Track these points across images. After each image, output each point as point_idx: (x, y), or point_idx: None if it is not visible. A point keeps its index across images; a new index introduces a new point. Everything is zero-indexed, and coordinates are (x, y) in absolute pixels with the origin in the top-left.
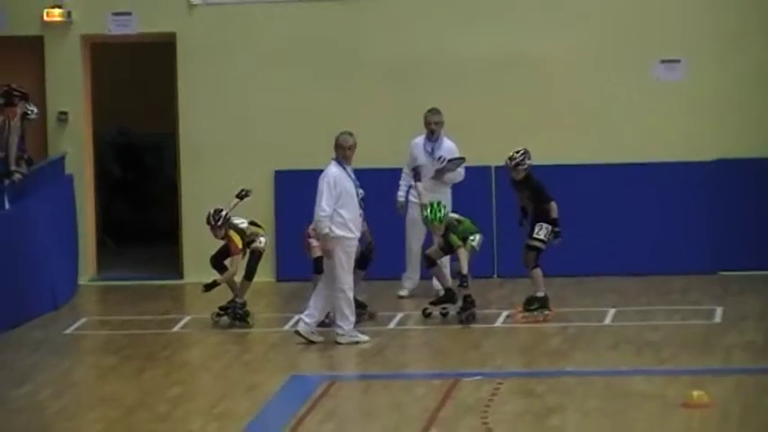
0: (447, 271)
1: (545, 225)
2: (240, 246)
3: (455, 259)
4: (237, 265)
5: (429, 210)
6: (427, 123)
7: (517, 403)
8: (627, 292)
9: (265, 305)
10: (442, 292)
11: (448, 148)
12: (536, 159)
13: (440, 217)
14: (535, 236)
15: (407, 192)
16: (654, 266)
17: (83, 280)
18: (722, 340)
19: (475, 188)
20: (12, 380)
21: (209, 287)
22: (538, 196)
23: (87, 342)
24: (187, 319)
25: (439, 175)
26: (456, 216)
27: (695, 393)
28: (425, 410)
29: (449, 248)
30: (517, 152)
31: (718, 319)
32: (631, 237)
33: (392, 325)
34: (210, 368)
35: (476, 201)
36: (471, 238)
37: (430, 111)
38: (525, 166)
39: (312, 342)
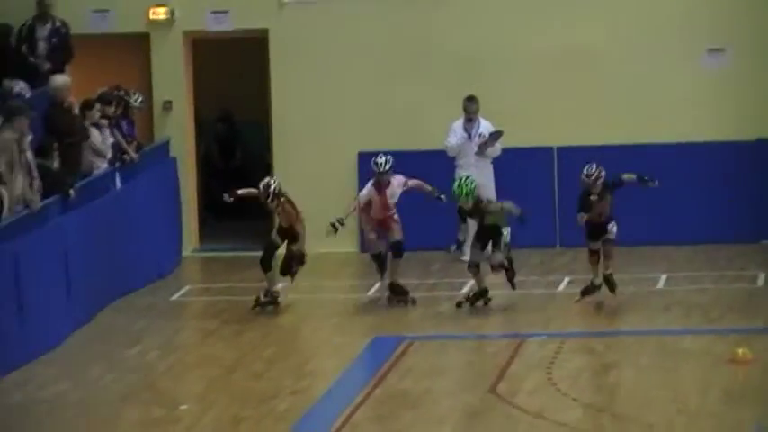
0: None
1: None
2: (295, 212)
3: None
4: (304, 228)
5: (457, 184)
6: (468, 112)
7: (578, 360)
8: (677, 259)
9: (350, 274)
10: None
11: (486, 126)
12: (592, 141)
13: (467, 191)
14: (609, 232)
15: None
16: (702, 236)
17: (186, 251)
18: (765, 302)
19: (538, 167)
20: (124, 342)
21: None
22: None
23: (190, 307)
24: (280, 286)
25: (482, 149)
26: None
27: (740, 350)
28: (495, 367)
29: (487, 234)
30: (592, 168)
31: (760, 283)
32: (682, 209)
33: (464, 290)
34: (302, 331)
35: (539, 178)
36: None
37: (468, 100)
38: (602, 179)
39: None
